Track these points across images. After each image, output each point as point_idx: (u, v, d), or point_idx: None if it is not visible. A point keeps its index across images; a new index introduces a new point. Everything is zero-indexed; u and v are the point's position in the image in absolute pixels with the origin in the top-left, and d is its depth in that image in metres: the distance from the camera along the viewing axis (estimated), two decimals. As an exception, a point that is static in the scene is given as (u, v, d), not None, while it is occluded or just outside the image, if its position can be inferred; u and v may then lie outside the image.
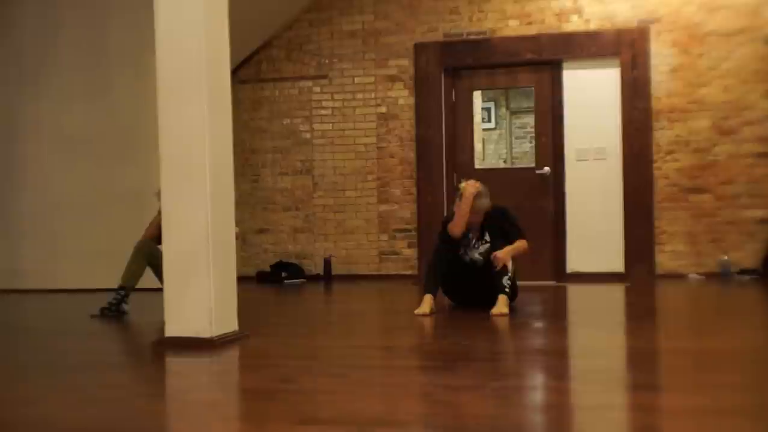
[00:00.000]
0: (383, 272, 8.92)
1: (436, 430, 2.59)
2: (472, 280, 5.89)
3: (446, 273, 5.88)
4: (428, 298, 5.70)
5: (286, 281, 8.84)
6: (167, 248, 4.53)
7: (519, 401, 3.04)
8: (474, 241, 5.90)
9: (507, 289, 5.61)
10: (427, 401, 3.03)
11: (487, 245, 5.84)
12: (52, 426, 2.83)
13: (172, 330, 4.49)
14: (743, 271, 7.92)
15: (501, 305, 5.52)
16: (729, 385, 3.11)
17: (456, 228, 5.83)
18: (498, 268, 5.64)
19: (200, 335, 4.41)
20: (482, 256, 5.84)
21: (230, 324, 4.64)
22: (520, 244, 5.79)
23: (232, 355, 4.25)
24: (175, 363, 4.14)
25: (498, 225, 5.86)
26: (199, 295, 4.45)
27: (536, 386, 3.31)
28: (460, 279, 5.94)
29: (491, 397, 3.06)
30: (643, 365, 3.81)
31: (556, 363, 3.85)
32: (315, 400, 3.07)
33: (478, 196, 5.80)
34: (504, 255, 5.66)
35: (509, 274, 5.64)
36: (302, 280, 8.95)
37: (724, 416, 2.63)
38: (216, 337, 4.42)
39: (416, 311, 5.61)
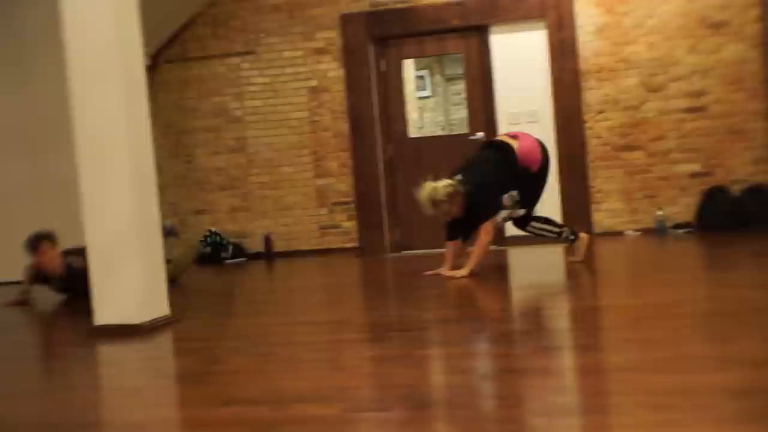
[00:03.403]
0: (325, 246, 8.87)
1: (356, 402, 2.58)
2: None
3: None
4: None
5: (226, 261, 8.76)
6: (91, 236, 4.44)
7: (445, 368, 3.04)
8: None
9: (570, 241, 6.25)
10: (352, 374, 3.01)
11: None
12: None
13: (101, 318, 4.42)
14: (678, 226, 8.03)
15: (578, 251, 6.20)
16: (661, 340, 3.14)
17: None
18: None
19: (129, 322, 4.35)
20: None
21: (161, 309, 4.58)
22: (480, 243, 5.84)
23: (163, 340, 4.20)
24: (103, 351, 4.08)
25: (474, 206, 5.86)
26: (126, 282, 4.39)
27: (463, 353, 3.31)
28: None
29: (416, 367, 3.05)
30: (580, 325, 3.83)
31: (489, 328, 3.85)
32: (240, 380, 3.04)
33: (433, 205, 5.75)
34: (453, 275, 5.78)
35: (564, 231, 6.20)
36: (243, 259, 8.88)
37: (644, 372, 2.66)
38: (145, 322, 4.37)
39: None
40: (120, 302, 4.38)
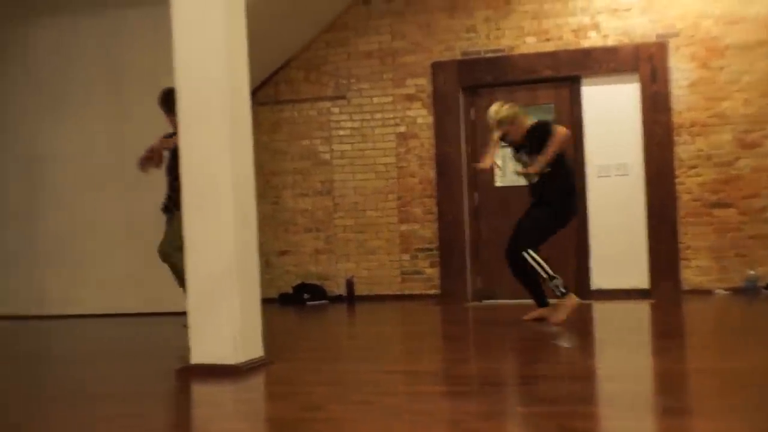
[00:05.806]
0: (406, 292, 8.88)
1: (465, 460, 2.57)
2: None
3: None
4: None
5: (308, 303, 8.82)
6: (191, 273, 4.52)
7: (548, 427, 3.01)
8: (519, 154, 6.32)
9: (559, 293, 5.92)
10: (456, 429, 2.99)
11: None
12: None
13: (197, 357, 4.47)
14: (769, 286, 7.83)
15: (560, 313, 5.90)
16: (754, 408, 3.06)
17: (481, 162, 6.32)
18: (532, 172, 6.02)
19: (225, 362, 4.39)
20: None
21: (256, 350, 4.62)
22: (553, 141, 5.92)
23: (258, 382, 4.23)
24: (199, 391, 4.13)
25: (537, 141, 6.04)
26: (224, 321, 4.44)
27: (565, 412, 3.26)
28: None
29: (519, 425, 3.03)
30: (670, 388, 3.76)
31: (583, 387, 3.80)
32: (341, 429, 3.04)
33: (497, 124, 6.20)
34: (536, 166, 5.96)
35: (557, 280, 5.85)
36: (325, 301, 8.93)
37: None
38: (241, 363, 4.40)
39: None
40: (217, 342, 4.42)
